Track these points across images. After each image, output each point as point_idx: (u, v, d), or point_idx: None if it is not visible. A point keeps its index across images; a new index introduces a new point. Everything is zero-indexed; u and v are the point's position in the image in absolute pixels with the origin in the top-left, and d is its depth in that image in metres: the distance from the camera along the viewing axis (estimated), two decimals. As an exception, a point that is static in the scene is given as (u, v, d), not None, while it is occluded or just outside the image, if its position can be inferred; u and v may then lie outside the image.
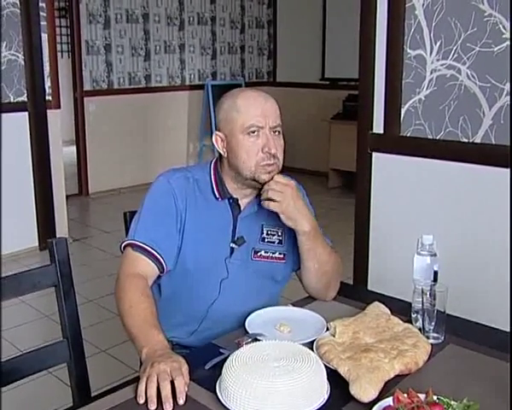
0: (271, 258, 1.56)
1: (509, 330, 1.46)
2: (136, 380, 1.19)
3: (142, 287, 1.42)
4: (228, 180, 1.54)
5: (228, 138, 1.49)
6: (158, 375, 1.14)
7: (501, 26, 2.13)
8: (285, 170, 1.53)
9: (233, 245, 1.53)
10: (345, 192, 6.14)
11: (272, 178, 1.46)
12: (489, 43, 2.16)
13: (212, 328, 1.51)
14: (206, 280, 1.53)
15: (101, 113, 6.07)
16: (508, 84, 2.13)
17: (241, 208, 1.55)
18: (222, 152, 1.52)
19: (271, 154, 1.46)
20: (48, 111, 4.36)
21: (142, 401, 1.13)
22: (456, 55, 2.25)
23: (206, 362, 1.26)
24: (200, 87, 6.73)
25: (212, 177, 1.55)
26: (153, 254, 1.47)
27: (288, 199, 1.43)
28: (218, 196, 1.53)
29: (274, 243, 1.56)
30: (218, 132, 1.52)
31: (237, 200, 1.54)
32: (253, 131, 1.45)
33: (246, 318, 1.46)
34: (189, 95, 6.74)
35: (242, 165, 1.47)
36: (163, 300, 1.59)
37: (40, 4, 4.23)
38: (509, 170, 2.13)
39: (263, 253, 1.55)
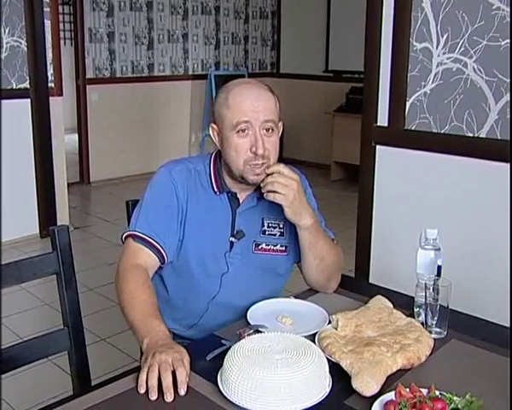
0: (273, 251, 1.55)
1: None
2: (137, 370, 1.19)
3: (143, 278, 1.41)
4: (225, 174, 1.52)
5: (220, 133, 1.48)
6: (159, 365, 1.13)
7: (509, 19, 2.10)
8: (287, 162, 1.52)
9: (232, 239, 1.52)
10: (347, 185, 6.12)
11: (264, 174, 1.42)
12: (496, 36, 2.14)
13: (212, 322, 1.50)
14: (207, 275, 1.52)
15: (103, 101, 6.06)
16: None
17: (240, 202, 1.53)
18: (217, 145, 1.51)
19: (259, 155, 1.42)
20: (50, 98, 4.34)
21: (142, 390, 1.13)
22: (462, 49, 2.23)
23: (207, 353, 1.26)
24: (204, 77, 6.71)
25: (212, 170, 1.53)
26: (154, 246, 1.46)
27: (293, 192, 1.40)
28: (216, 189, 1.52)
29: (275, 235, 1.55)
30: (213, 125, 1.50)
31: (235, 194, 1.53)
32: (242, 129, 1.42)
33: (248, 309, 1.45)
34: (191, 85, 6.72)
35: (231, 162, 1.46)
36: (164, 292, 1.58)
37: (43, -10, 4.20)
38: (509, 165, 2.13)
39: (264, 246, 1.54)
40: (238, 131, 1.42)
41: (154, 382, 1.12)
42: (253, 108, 1.41)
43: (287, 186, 1.39)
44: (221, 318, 1.49)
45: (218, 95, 1.49)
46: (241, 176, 1.46)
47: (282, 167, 1.41)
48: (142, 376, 1.14)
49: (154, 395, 1.11)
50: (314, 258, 1.51)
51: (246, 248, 1.53)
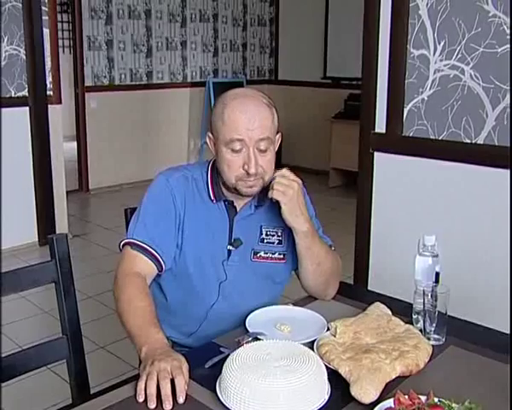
0: (271, 259, 1.55)
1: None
2: (136, 378, 1.19)
3: (141, 286, 1.41)
4: (221, 184, 1.52)
5: (215, 145, 1.48)
6: (158, 373, 1.13)
7: (505, 26, 2.12)
8: (286, 168, 1.51)
9: (230, 247, 1.52)
10: (345, 191, 6.13)
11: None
12: (493, 43, 2.15)
13: (211, 330, 1.50)
14: (205, 283, 1.52)
15: (102, 109, 6.06)
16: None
17: (237, 210, 1.53)
18: (213, 152, 1.51)
19: (251, 174, 1.42)
20: (49, 106, 4.35)
21: (141, 399, 1.13)
22: (459, 56, 2.25)
23: (206, 361, 1.26)
24: (202, 84, 6.72)
25: (209, 178, 1.53)
26: (151, 253, 1.46)
27: (292, 191, 1.42)
28: (213, 198, 1.52)
29: (273, 243, 1.55)
30: (209, 134, 1.50)
31: (232, 202, 1.53)
32: (235, 146, 1.41)
33: (246, 316, 1.45)
34: (190, 92, 6.73)
35: (224, 175, 1.46)
36: (163, 299, 1.58)
37: (42, -1, 4.22)
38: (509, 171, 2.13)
39: (262, 254, 1.54)
40: (231, 148, 1.42)
41: (152, 390, 1.12)
42: (247, 127, 1.40)
43: (287, 186, 1.42)
44: (220, 326, 1.49)
45: (216, 105, 1.47)
46: (234, 188, 1.47)
47: (284, 170, 1.45)
48: (141, 384, 1.14)
49: (152, 404, 1.11)
50: (311, 264, 1.51)
51: (244, 256, 1.53)
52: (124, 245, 1.50)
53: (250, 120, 1.40)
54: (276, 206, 1.50)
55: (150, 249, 1.46)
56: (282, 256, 1.56)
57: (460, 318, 1.49)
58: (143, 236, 1.47)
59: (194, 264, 1.51)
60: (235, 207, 1.53)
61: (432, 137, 2.36)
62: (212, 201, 1.52)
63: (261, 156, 1.43)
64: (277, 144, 1.52)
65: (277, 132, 1.50)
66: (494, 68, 2.16)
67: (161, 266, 1.48)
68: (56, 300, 1.45)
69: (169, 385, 1.12)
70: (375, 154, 2.56)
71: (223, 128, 1.42)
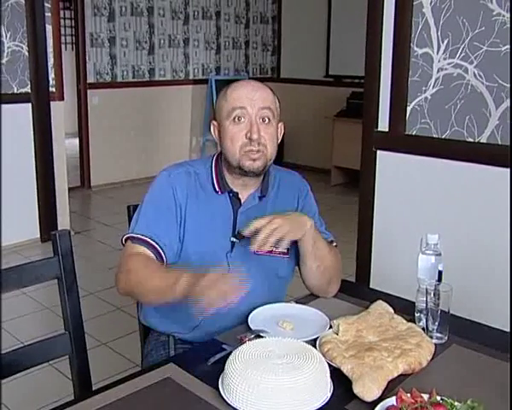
0: (274, 252, 1.55)
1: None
2: (137, 375, 1.20)
3: (145, 258, 1.44)
4: (226, 172, 1.54)
5: (219, 126, 1.51)
6: (217, 278, 1.24)
7: (509, 25, 2.11)
8: (288, 166, 1.52)
9: (233, 239, 1.53)
10: (347, 190, 6.13)
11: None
12: (497, 42, 2.15)
13: (214, 323, 1.49)
14: None
15: (104, 105, 6.07)
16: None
17: (242, 202, 1.54)
18: (217, 142, 1.54)
19: (253, 139, 1.44)
20: (51, 103, 4.35)
21: (233, 296, 1.24)
22: (463, 54, 2.24)
23: (208, 358, 1.26)
24: (204, 82, 6.72)
25: (213, 170, 1.55)
26: (153, 246, 1.47)
27: (287, 223, 1.41)
28: (217, 189, 1.53)
29: (277, 237, 1.55)
30: (214, 121, 1.55)
31: (237, 194, 1.54)
32: (238, 117, 1.45)
33: (249, 313, 1.45)
34: (192, 89, 6.73)
35: (228, 152, 1.49)
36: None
37: (45, -5, 4.22)
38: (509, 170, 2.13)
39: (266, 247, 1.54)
40: (234, 119, 1.45)
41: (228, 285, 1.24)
42: (249, 96, 1.46)
43: (276, 228, 1.39)
44: (222, 320, 1.48)
45: (219, 94, 1.54)
46: (238, 165, 1.48)
47: (257, 223, 1.40)
48: (220, 286, 1.24)
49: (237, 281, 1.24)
50: (314, 262, 1.52)
51: (248, 248, 1.53)
52: (125, 240, 1.51)
53: (251, 91, 1.47)
54: (280, 199, 1.55)
55: (151, 242, 1.47)
56: (285, 251, 1.56)
57: (463, 316, 1.49)
58: (145, 230, 1.48)
59: (196, 257, 1.51)
60: (239, 200, 1.54)
61: (435, 135, 2.36)
62: (217, 192, 1.53)
63: (263, 127, 1.46)
64: (280, 134, 1.55)
65: (280, 121, 1.53)
66: (498, 67, 2.16)
67: (163, 259, 1.48)
68: (59, 296, 1.45)
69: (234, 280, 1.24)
70: (378, 152, 2.56)
71: (225, 104, 1.48)
